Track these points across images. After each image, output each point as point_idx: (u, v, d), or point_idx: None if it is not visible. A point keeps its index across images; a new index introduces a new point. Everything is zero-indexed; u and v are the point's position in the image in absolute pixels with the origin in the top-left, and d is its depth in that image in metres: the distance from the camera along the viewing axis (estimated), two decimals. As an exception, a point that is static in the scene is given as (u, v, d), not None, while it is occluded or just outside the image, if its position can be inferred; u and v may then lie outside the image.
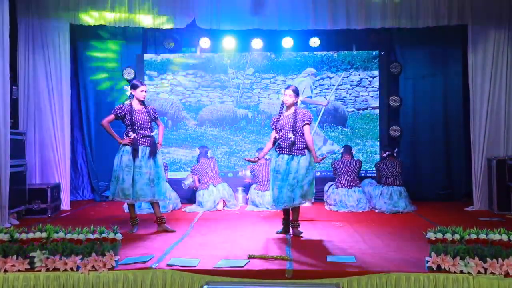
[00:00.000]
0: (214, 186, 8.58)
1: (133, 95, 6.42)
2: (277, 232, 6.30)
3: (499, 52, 8.34)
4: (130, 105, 6.39)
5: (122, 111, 6.37)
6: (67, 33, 8.61)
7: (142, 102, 6.47)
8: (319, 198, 8.94)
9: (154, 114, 6.53)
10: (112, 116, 6.42)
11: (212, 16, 8.54)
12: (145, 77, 9.73)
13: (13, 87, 7.79)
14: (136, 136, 6.31)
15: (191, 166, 9.10)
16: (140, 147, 6.33)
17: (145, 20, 8.53)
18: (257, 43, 9.67)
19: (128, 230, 6.35)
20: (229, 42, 9.67)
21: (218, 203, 8.49)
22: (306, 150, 6.05)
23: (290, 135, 6.01)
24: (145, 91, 6.46)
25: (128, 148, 6.33)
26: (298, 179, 5.99)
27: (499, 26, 8.32)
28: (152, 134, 6.45)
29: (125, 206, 8.25)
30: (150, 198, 6.38)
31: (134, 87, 6.42)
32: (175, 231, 6.43)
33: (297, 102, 6.18)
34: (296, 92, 6.17)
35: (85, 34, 9.46)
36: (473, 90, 8.44)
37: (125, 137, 6.39)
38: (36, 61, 8.49)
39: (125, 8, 8.40)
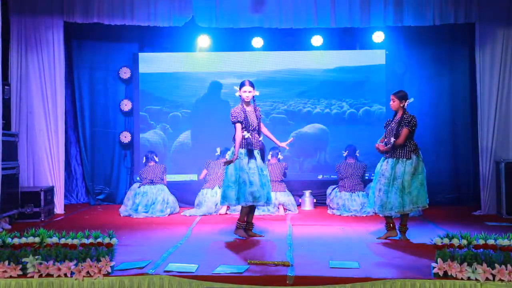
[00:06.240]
0: (220, 188, 8.32)
1: (240, 95, 6.25)
2: (378, 238, 6.17)
3: (508, 51, 8.21)
4: (243, 107, 6.18)
5: (242, 114, 6.11)
6: (61, 31, 8.47)
7: (248, 103, 6.25)
8: (321, 202, 8.93)
9: (260, 116, 6.37)
10: (240, 125, 6.08)
11: (211, 14, 8.41)
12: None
13: (5, 87, 7.70)
14: (250, 137, 6.13)
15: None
16: (256, 150, 6.19)
17: (142, 17, 8.37)
18: (257, 42, 9.45)
19: (240, 236, 6.21)
20: (228, 41, 9.43)
21: (221, 207, 8.21)
22: (412, 154, 6.00)
23: (392, 139, 6.03)
24: (249, 92, 6.18)
25: (242, 151, 6.10)
26: (404, 185, 5.96)
27: (507, 24, 8.18)
28: (261, 137, 6.32)
29: (121, 210, 8.29)
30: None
31: (240, 86, 6.25)
32: (263, 236, 6.29)
33: (404, 105, 6.09)
34: (399, 96, 6.11)
35: (79, 32, 9.27)
36: (481, 91, 8.31)
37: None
38: (29, 60, 8.39)
39: (121, 5, 8.26)
